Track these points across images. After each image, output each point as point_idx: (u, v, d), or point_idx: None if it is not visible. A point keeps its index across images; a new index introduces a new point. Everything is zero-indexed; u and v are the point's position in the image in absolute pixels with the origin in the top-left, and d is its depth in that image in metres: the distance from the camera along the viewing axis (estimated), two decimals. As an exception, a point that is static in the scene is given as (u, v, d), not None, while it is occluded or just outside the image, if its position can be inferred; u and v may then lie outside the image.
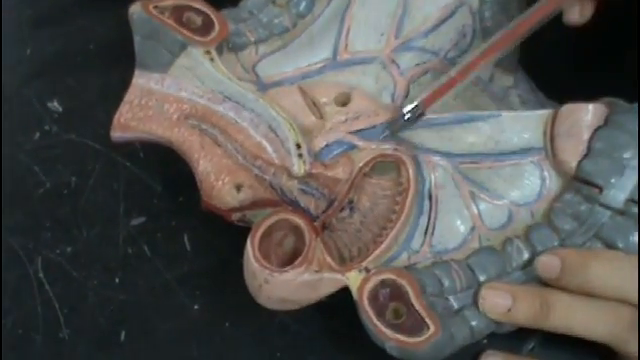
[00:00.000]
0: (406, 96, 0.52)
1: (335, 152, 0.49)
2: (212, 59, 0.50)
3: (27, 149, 0.57)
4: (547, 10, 0.49)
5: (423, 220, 0.48)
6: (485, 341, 0.46)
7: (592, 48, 0.56)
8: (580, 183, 0.46)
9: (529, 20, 0.49)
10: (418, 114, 0.49)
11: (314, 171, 0.48)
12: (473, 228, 0.47)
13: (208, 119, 0.49)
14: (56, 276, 0.52)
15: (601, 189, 0.45)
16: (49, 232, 0.54)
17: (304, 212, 0.47)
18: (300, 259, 0.44)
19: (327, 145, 0.49)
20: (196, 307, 0.51)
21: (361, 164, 0.48)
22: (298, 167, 0.48)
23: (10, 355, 0.50)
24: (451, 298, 0.45)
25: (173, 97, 0.49)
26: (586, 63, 0.56)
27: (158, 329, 0.51)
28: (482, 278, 0.45)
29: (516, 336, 0.46)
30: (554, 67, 0.55)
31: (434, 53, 0.53)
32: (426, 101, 0.49)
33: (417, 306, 0.44)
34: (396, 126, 0.49)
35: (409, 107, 0.49)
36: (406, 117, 0.49)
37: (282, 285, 0.44)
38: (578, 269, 0.43)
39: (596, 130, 0.46)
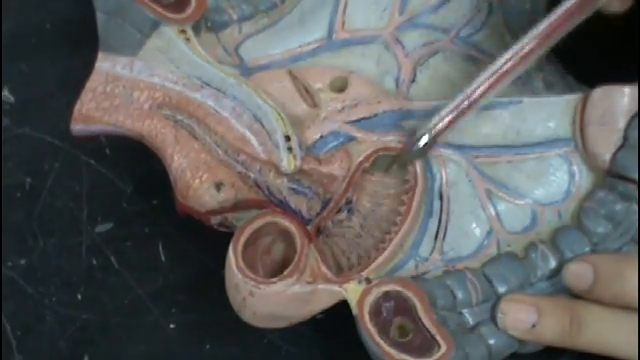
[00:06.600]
0: (412, 80, 0.52)
1: (330, 145, 0.49)
2: (188, 39, 0.51)
3: (-27, 146, 0.57)
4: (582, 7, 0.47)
5: (432, 223, 0.48)
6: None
7: (629, 25, 0.56)
8: (615, 178, 0.46)
9: (563, 18, 0.47)
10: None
11: (306, 167, 0.48)
12: (490, 232, 0.47)
13: (184, 108, 0.49)
14: (8, 293, 0.52)
15: None
16: None
17: (295, 214, 0.47)
18: (290, 268, 0.44)
19: (321, 137, 0.49)
20: (172, 326, 0.51)
21: (360, 159, 0.48)
22: (288, 162, 0.48)
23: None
24: (465, 313, 0.45)
25: (144, 83, 0.49)
26: (622, 42, 0.56)
27: (128, 353, 0.50)
28: (501, 290, 0.45)
29: (543, 357, 0.46)
30: (585, 47, 0.55)
31: (444, 31, 0.53)
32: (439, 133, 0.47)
33: (426, 322, 0.44)
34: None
35: (422, 139, 0.47)
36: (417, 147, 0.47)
37: (270, 299, 0.44)
38: (613, 278, 0.44)
39: (633, 117, 0.46)
